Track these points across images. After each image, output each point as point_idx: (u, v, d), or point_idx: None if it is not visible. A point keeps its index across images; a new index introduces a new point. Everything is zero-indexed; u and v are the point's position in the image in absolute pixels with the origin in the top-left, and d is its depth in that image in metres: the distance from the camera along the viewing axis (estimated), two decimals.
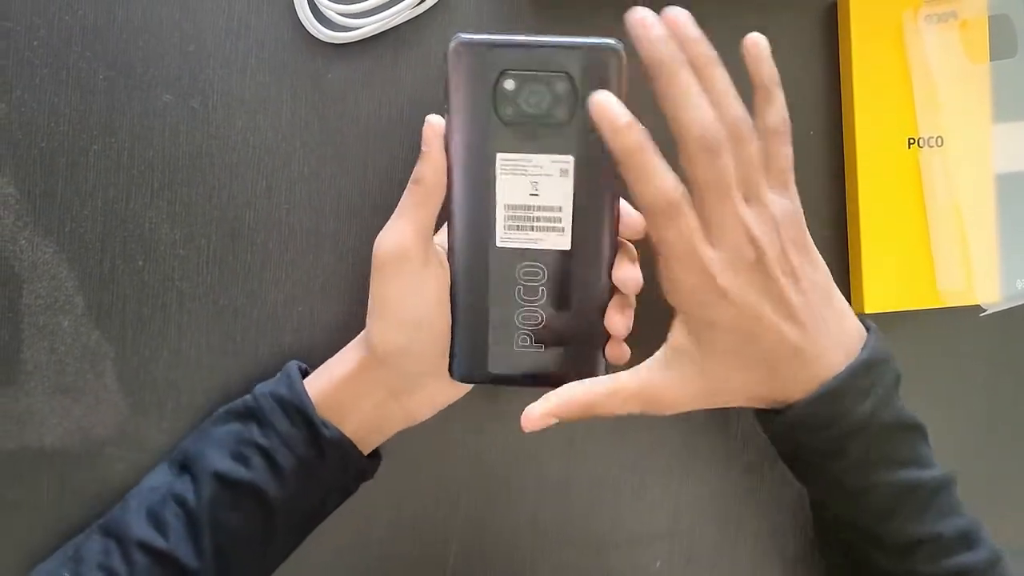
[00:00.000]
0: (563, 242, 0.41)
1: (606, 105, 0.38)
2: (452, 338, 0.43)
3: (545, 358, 0.43)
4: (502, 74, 0.40)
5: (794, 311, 0.40)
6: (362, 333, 0.44)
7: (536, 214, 0.41)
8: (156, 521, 0.42)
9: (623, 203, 0.42)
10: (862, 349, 0.41)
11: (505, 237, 0.41)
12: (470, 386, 0.46)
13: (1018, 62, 0.49)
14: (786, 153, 0.41)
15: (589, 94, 0.38)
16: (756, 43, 0.40)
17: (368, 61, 0.47)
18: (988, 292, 0.50)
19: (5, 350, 0.46)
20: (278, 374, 0.45)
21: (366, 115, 0.47)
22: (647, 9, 0.37)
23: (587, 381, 0.41)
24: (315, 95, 0.47)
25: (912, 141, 0.50)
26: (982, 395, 0.52)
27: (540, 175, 0.41)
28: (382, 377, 0.43)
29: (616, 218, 0.42)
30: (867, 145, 0.50)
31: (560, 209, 0.41)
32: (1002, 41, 0.50)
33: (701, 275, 0.38)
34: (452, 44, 0.39)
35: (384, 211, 0.42)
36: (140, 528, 0.42)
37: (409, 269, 0.41)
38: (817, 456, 0.42)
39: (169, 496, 0.43)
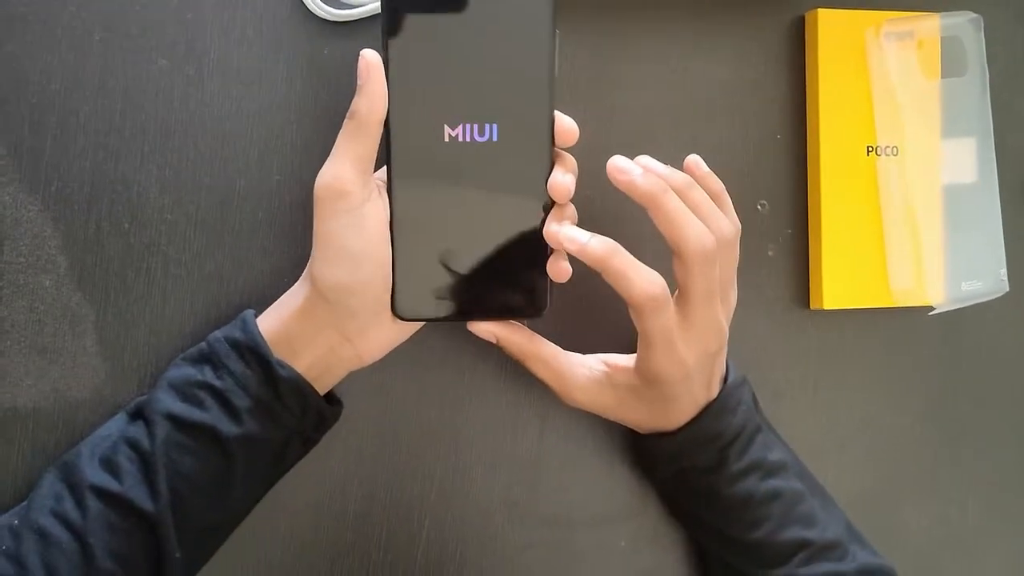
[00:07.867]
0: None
1: (560, 234, 0.42)
2: (393, 274, 0.43)
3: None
4: None
5: (714, 382, 0.46)
6: (306, 270, 0.43)
7: None
8: (109, 466, 0.41)
9: (557, 113, 0.43)
10: (726, 375, 0.47)
11: None
12: (416, 325, 0.45)
13: (965, 82, 0.54)
14: (737, 254, 0.47)
15: None
16: (697, 164, 0.47)
17: (365, 40, 0.48)
18: (937, 293, 0.54)
19: None
20: (233, 320, 0.44)
21: None
22: (621, 157, 0.43)
23: (531, 334, 0.46)
24: (311, 71, 0.48)
25: (871, 149, 0.53)
26: (927, 389, 0.56)
27: None
28: (328, 315, 0.43)
29: (551, 129, 0.43)
30: (829, 151, 0.53)
31: None
32: (953, 61, 0.54)
33: (677, 365, 0.44)
34: None
35: None
36: (93, 473, 0.41)
37: (347, 205, 0.41)
38: (699, 473, 0.47)
39: (122, 440, 0.42)
